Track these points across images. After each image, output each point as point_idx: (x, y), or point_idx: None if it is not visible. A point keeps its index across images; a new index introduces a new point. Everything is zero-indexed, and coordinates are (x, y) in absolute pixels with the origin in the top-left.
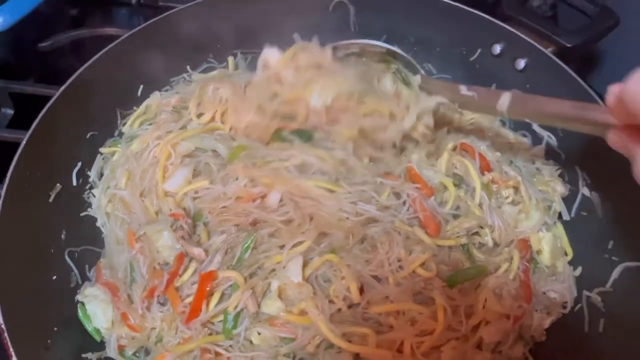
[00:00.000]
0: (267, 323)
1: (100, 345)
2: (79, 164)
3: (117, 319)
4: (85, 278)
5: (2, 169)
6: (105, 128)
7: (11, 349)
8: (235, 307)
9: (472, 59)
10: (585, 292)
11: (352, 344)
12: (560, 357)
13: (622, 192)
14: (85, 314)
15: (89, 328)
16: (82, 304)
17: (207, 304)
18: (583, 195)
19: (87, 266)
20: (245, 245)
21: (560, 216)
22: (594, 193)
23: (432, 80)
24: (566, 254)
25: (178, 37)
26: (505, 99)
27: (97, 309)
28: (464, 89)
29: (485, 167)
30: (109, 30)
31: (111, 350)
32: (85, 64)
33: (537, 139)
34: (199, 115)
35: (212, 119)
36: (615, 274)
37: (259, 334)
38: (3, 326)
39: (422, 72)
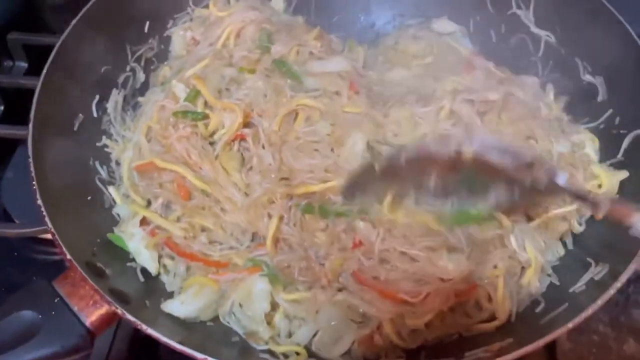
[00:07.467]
0: None
1: None
2: (97, 96)
3: None
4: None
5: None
6: (117, 62)
7: (64, 248)
8: None
9: None
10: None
11: None
12: None
13: (621, 71)
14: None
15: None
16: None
17: None
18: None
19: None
20: None
21: None
22: (597, 77)
23: None
24: None
25: None
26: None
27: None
28: None
29: None
30: None
31: None
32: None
33: (536, 39)
34: None
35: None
36: (626, 143)
37: None
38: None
39: None
